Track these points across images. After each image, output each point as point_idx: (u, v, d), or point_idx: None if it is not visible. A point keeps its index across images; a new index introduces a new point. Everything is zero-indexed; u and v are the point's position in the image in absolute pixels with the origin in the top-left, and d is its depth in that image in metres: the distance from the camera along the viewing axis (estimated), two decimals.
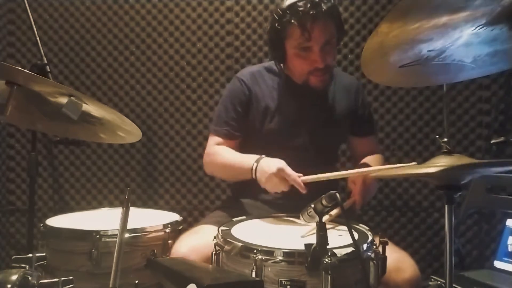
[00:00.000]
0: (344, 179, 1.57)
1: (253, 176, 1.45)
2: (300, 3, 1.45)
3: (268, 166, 1.41)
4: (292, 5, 1.47)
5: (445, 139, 1.03)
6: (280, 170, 1.37)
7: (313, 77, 1.55)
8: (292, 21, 1.46)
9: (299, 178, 1.37)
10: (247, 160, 1.49)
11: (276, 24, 1.51)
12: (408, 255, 1.41)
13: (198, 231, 1.46)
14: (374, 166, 1.60)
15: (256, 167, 1.44)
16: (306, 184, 1.38)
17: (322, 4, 1.45)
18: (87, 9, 2.28)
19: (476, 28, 0.92)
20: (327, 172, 1.73)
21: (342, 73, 1.92)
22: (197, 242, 1.37)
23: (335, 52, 1.60)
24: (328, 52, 1.52)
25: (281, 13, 1.49)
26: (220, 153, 1.61)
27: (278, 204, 1.58)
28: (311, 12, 1.44)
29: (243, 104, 1.63)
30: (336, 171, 1.76)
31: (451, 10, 0.90)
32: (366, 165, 1.62)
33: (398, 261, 1.34)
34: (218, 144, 1.64)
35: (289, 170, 1.38)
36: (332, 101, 1.67)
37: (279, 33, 1.52)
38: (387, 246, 1.17)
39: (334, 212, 1.33)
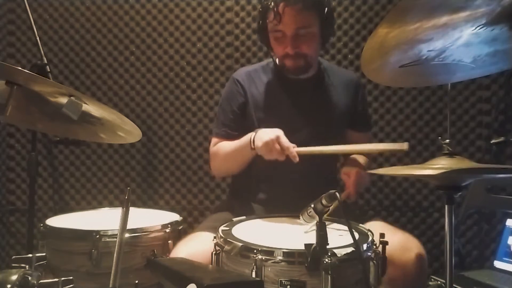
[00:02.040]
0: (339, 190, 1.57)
1: (252, 145, 1.47)
2: None
3: (266, 133, 1.44)
4: None
5: (447, 140, 1.03)
6: (277, 137, 1.40)
7: (287, 61, 1.57)
8: (269, 3, 1.50)
9: (293, 148, 1.40)
10: (247, 135, 1.52)
11: (260, 8, 1.57)
12: (412, 236, 1.42)
13: (194, 238, 1.45)
14: (364, 161, 1.64)
15: (254, 136, 1.47)
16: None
17: None
18: (87, 9, 2.28)
19: (476, 28, 0.92)
20: (327, 169, 1.74)
21: (340, 69, 1.94)
22: (194, 250, 1.35)
23: (315, 44, 1.58)
24: (303, 40, 1.52)
25: None
26: (221, 147, 1.64)
27: (276, 205, 1.58)
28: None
29: (239, 104, 1.65)
30: (335, 167, 1.77)
31: (451, 10, 0.89)
32: (355, 161, 1.63)
33: (404, 240, 1.35)
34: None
35: (284, 138, 1.41)
36: (330, 96, 1.67)
37: (262, 15, 1.57)
38: (390, 228, 1.17)
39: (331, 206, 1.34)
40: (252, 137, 1.48)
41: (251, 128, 1.62)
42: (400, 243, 1.31)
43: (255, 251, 1.07)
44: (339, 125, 1.70)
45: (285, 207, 1.48)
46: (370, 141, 1.81)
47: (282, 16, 1.48)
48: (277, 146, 1.40)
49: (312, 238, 1.03)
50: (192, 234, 1.49)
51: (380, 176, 2.21)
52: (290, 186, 1.60)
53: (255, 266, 1.05)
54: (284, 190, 1.60)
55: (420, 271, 1.34)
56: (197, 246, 1.37)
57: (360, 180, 1.47)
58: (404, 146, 1.37)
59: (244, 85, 1.66)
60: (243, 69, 1.77)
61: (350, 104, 1.70)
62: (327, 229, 1.02)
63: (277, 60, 1.67)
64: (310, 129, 1.62)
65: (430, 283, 1.61)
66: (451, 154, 1.01)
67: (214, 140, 1.69)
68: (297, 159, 1.40)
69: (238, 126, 1.64)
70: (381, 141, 2.21)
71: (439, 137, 1.08)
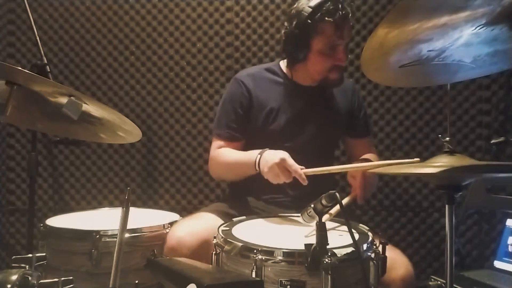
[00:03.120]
0: (344, 175, 1.57)
1: (257, 167, 1.46)
2: (329, 3, 1.49)
3: (271, 157, 1.42)
4: (322, 3, 1.50)
5: (447, 138, 1.03)
6: (283, 160, 1.38)
7: (333, 73, 1.58)
8: (326, 18, 1.49)
9: (300, 170, 1.38)
10: (251, 154, 1.50)
11: (307, 20, 1.51)
12: (402, 253, 1.42)
13: (196, 217, 1.47)
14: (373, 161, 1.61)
15: (259, 159, 1.45)
16: (308, 177, 1.39)
17: (345, 5, 1.52)
18: (87, 9, 2.28)
19: (476, 28, 0.92)
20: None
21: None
22: (194, 227, 1.38)
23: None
24: (346, 51, 1.59)
25: (311, 10, 1.50)
26: (223, 154, 1.62)
27: (278, 202, 1.58)
28: (343, 12, 1.50)
29: (243, 106, 1.64)
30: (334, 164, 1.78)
31: (451, 10, 0.89)
32: (366, 160, 1.62)
33: (391, 259, 1.33)
34: (221, 147, 1.65)
35: (291, 161, 1.39)
36: (331, 101, 1.70)
37: (307, 31, 1.52)
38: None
39: (333, 210, 1.33)
40: (257, 159, 1.46)
41: (255, 130, 1.63)
42: (388, 261, 1.29)
43: (255, 251, 1.07)
44: (340, 130, 1.74)
45: (285, 204, 1.48)
46: (370, 146, 1.80)
47: (342, 29, 1.51)
48: (284, 170, 1.38)
49: (312, 238, 1.03)
50: (194, 214, 1.50)
51: (380, 176, 2.20)
52: (289, 183, 1.60)
53: (255, 266, 1.05)
54: (284, 188, 1.60)
55: None
56: (198, 223, 1.40)
57: (367, 182, 1.44)
58: (415, 160, 1.32)
59: (249, 87, 1.64)
60: (245, 70, 1.78)
61: (349, 110, 1.73)
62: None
63: (282, 66, 1.68)
64: (312, 133, 1.64)
65: (430, 283, 1.61)
66: (451, 152, 1.01)
67: (216, 142, 1.67)
68: (306, 182, 1.37)
69: (242, 129, 1.64)
70: (381, 141, 2.22)
71: (439, 135, 1.08)
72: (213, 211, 1.50)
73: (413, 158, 1.28)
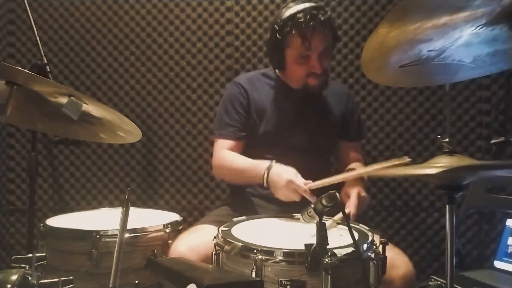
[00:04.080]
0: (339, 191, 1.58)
1: (265, 184, 1.49)
2: (300, 15, 1.53)
3: (279, 177, 1.44)
4: (292, 16, 1.54)
5: (447, 139, 1.03)
6: (290, 182, 1.40)
7: (311, 79, 1.62)
8: (293, 31, 1.54)
9: (307, 187, 1.40)
10: (258, 167, 1.52)
11: (277, 34, 1.58)
12: (402, 252, 1.43)
13: (197, 231, 1.47)
14: (364, 183, 1.62)
15: (267, 177, 1.48)
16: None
17: (320, 15, 1.53)
18: (87, 9, 2.28)
19: (476, 28, 0.92)
20: (323, 171, 1.76)
21: (332, 81, 1.99)
22: (196, 242, 1.38)
23: (331, 56, 1.69)
24: (324, 57, 1.60)
25: (281, 23, 1.56)
26: (229, 159, 1.64)
27: (277, 200, 1.59)
28: (311, 23, 1.52)
29: (243, 106, 1.68)
30: (330, 169, 1.79)
31: (451, 10, 0.89)
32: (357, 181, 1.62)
33: (392, 257, 1.34)
34: (226, 146, 1.67)
35: (298, 181, 1.41)
36: (325, 105, 1.74)
37: (279, 43, 1.60)
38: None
39: (337, 217, 1.34)
40: (265, 176, 1.48)
41: (253, 131, 1.66)
42: (388, 260, 1.30)
43: (255, 251, 1.07)
44: (333, 133, 1.77)
45: (286, 203, 1.48)
46: (359, 151, 1.84)
47: (311, 41, 1.53)
48: (293, 191, 1.40)
49: (312, 238, 1.03)
50: (193, 227, 1.50)
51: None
52: None
53: (255, 266, 1.05)
54: None
55: None
56: (198, 239, 1.39)
57: (360, 201, 1.46)
58: (406, 159, 1.34)
59: (247, 89, 1.70)
60: (243, 75, 1.85)
61: (343, 114, 1.77)
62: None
63: (281, 77, 1.73)
64: (306, 136, 1.67)
65: (430, 283, 1.61)
66: (451, 153, 1.01)
67: (220, 142, 1.69)
68: (314, 199, 1.37)
69: (244, 127, 1.68)
70: (381, 141, 2.22)
71: (438, 136, 1.08)
72: (214, 222, 1.49)
73: (412, 158, 1.28)
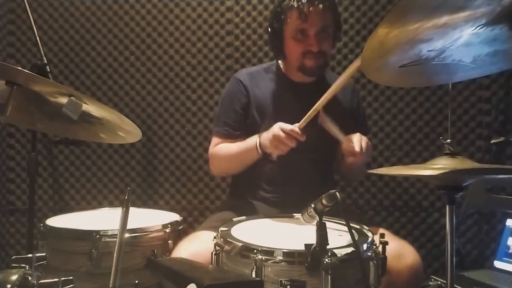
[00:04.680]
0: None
1: (258, 149, 1.50)
2: None
3: (268, 132, 1.46)
4: None
5: (448, 140, 1.03)
6: (278, 128, 1.42)
7: (307, 60, 1.59)
8: (291, 3, 1.54)
9: (293, 127, 1.42)
10: (250, 140, 1.55)
11: (278, 8, 1.60)
12: (408, 243, 1.42)
13: (197, 237, 1.45)
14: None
15: (259, 140, 1.50)
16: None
17: None
18: (87, 9, 2.28)
19: (476, 28, 0.92)
20: (327, 172, 1.75)
21: (336, 75, 1.94)
22: (195, 249, 1.36)
23: (331, 43, 1.65)
24: (323, 38, 1.58)
25: None
26: (222, 148, 1.65)
27: (277, 202, 1.59)
28: None
29: (242, 104, 1.66)
30: (332, 168, 1.77)
31: (451, 10, 0.89)
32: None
33: (399, 248, 1.35)
34: (219, 144, 1.67)
35: (284, 125, 1.43)
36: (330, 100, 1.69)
37: (279, 17, 1.60)
38: (386, 235, 1.18)
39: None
40: (258, 142, 1.50)
41: (253, 128, 1.64)
42: (395, 251, 1.30)
43: (255, 251, 1.07)
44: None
45: (286, 204, 1.48)
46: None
47: (308, 15, 1.53)
48: (283, 134, 1.41)
49: (312, 238, 1.03)
50: (193, 234, 1.49)
51: (380, 176, 2.21)
52: (290, 183, 1.61)
53: (255, 266, 1.05)
54: (285, 188, 1.61)
55: (414, 278, 1.35)
56: (198, 246, 1.38)
57: (364, 142, 1.44)
58: (358, 61, 1.37)
59: (247, 85, 1.68)
60: (244, 70, 1.81)
61: (348, 109, 1.74)
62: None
63: (281, 65, 1.71)
64: (310, 133, 1.62)
65: (430, 283, 1.62)
66: (452, 154, 1.01)
67: (215, 139, 1.70)
68: (304, 137, 1.42)
69: (240, 126, 1.66)
70: (381, 141, 2.22)
71: (440, 137, 1.08)
72: (215, 228, 1.45)
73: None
